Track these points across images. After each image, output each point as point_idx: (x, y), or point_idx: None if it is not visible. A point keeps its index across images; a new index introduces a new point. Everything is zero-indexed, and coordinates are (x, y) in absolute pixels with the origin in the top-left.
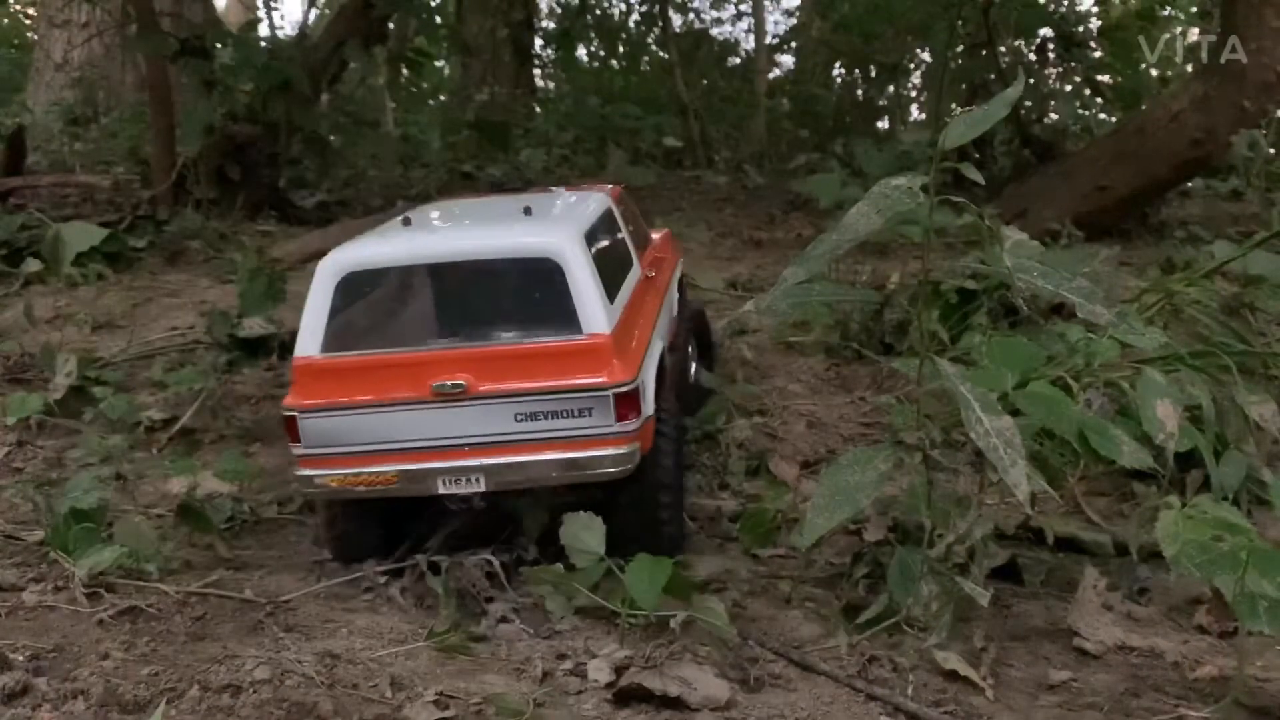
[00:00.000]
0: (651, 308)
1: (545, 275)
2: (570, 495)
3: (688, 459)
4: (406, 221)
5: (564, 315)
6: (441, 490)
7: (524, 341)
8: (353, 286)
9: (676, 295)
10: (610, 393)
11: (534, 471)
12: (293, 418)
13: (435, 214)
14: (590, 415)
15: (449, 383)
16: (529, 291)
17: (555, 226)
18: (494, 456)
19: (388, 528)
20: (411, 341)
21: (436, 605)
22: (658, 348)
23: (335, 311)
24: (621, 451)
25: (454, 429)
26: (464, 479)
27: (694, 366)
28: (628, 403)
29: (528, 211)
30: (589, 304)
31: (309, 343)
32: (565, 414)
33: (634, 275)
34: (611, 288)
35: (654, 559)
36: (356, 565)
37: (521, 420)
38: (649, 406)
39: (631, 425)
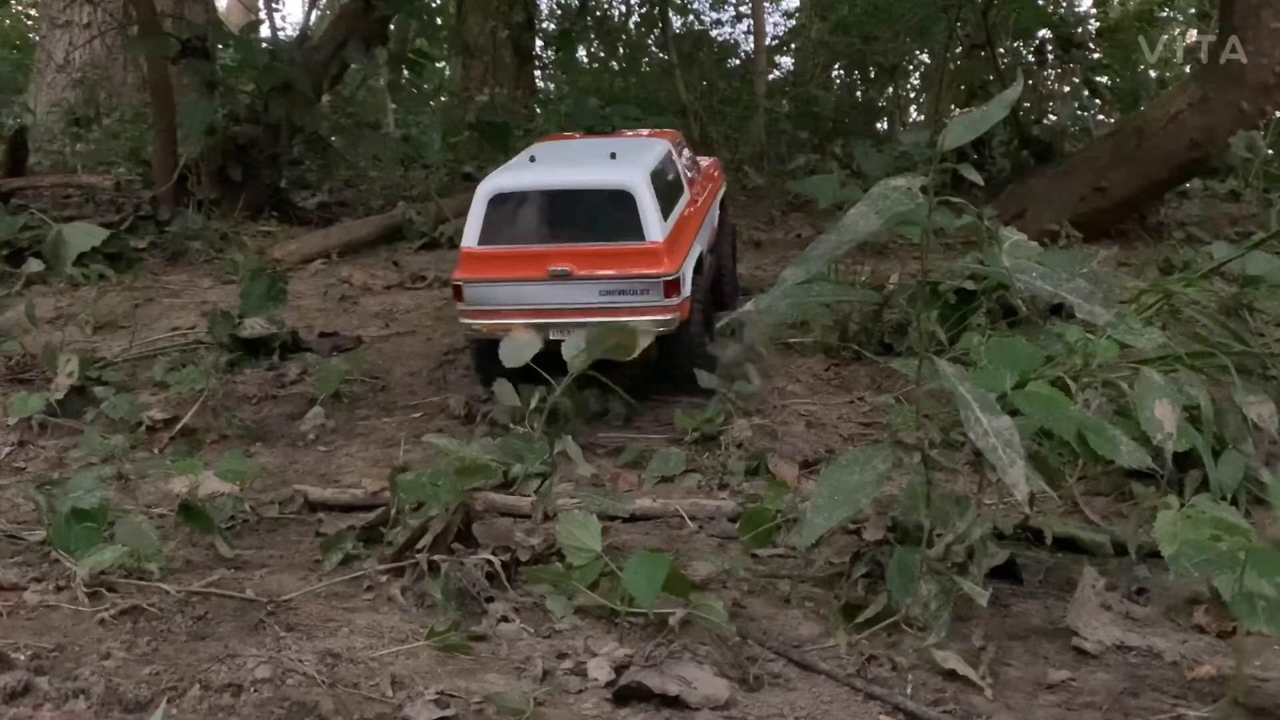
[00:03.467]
0: (695, 223)
1: (623, 200)
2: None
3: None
4: (532, 159)
5: (634, 228)
6: (552, 336)
7: (607, 243)
8: (497, 203)
9: (718, 212)
10: (661, 280)
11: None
12: (459, 285)
13: (552, 154)
14: (648, 293)
15: (559, 268)
16: (612, 211)
17: (631, 168)
18: (586, 317)
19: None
20: (535, 240)
21: (437, 605)
22: (697, 251)
23: (486, 219)
24: (668, 317)
25: (561, 298)
26: (566, 330)
27: (730, 266)
28: (673, 286)
29: (613, 156)
30: (650, 221)
31: (470, 238)
32: (632, 292)
33: (684, 199)
34: (667, 209)
35: (652, 556)
36: (357, 563)
37: (604, 294)
38: (687, 289)
39: (674, 301)
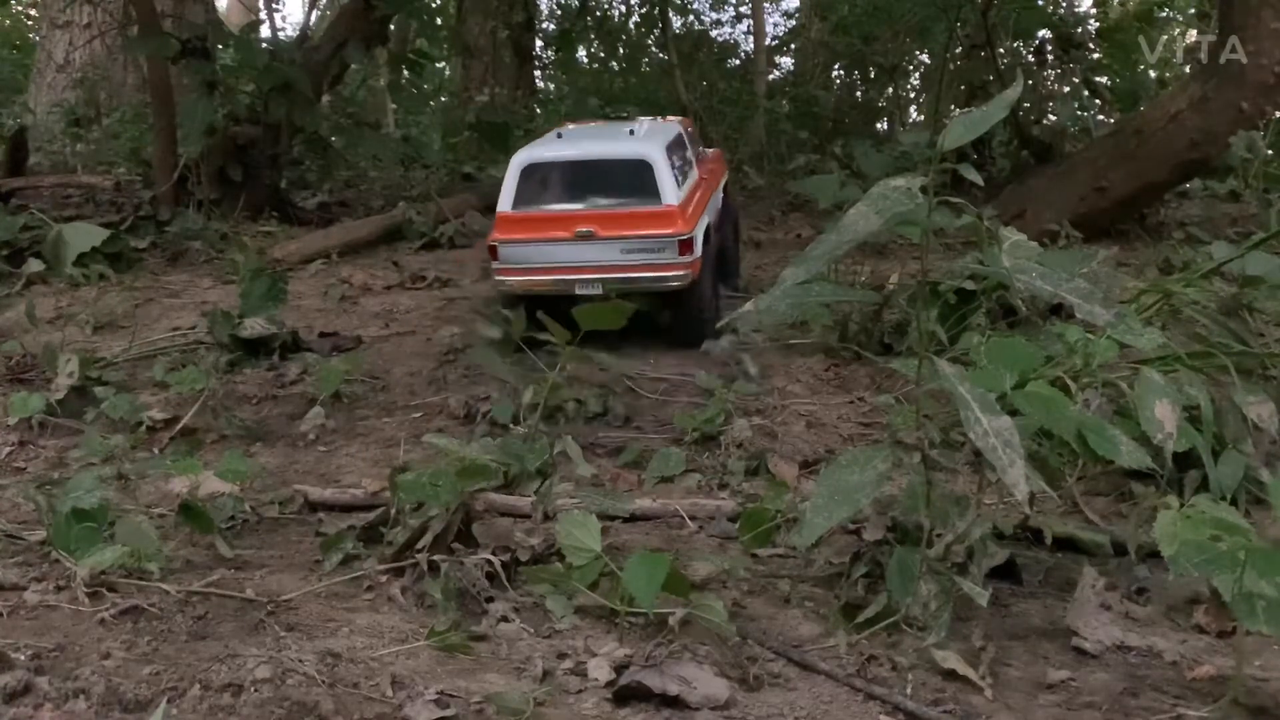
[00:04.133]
0: (704, 196)
1: (642, 169)
2: (649, 299)
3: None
4: (559, 135)
5: (651, 193)
6: (577, 291)
7: (628, 207)
8: (528, 172)
9: (721, 196)
10: (676, 239)
11: (631, 283)
12: (494, 245)
13: (576, 132)
14: (664, 251)
15: (584, 229)
16: (632, 178)
17: (648, 141)
18: (609, 273)
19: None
20: (563, 203)
21: (437, 605)
22: (705, 221)
23: (519, 186)
24: (681, 273)
25: (586, 256)
26: (590, 285)
27: (732, 247)
28: (686, 245)
29: (631, 133)
30: (666, 187)
31: (505, 203)
32: (650, 250)
33: (694, 176)
34: (680, 179)
35: (652, 556)
36: (357, 563)
37: (624, 253)
38: (698, 251)
39: (687, 259)
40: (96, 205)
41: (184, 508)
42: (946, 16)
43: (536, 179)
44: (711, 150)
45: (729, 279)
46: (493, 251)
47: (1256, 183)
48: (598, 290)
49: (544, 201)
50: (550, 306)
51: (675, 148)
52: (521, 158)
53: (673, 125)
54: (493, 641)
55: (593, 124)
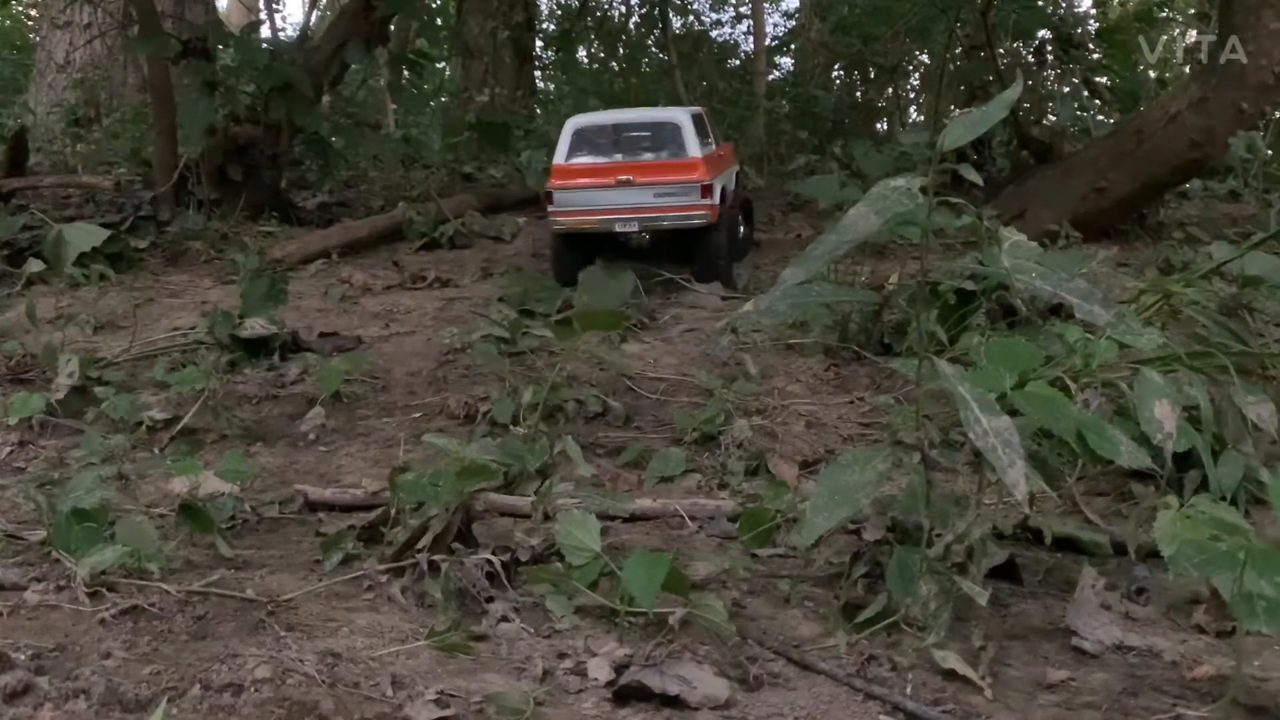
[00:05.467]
0: (720, 164)
1: (672, 130)
2: (675, 235)
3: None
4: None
5: (680, 148)
6: (617, 229)
7: (660, 159)
8: (579, 132)
9: (734, 179)
10: (699, 184)
11: (662, 221)
12: (549, 191)
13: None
14: (689, 195)
15: (624, 177)
16: (664, 136)
17: (677, 110)
18: (643, 214)
19: (586, 259)
20: (606, 157)
21: (437, 605)
22: (721, 182)
23: (571, 143)
24: (703, 214)
25: (625, 200)
26: (629, 223)
27: (741, 229)
28: (708, 190)
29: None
30: (692, 144)
31: (559, 157)
32: (678, 194)
33: (713, 144)
34: (702, 143)
35: (651, 555)
36: (357, 563)
37: (657, 196)
38: (717, 198)
39: (708, 203)
40: (96, 205)
41: (184, 508)
42: (946, 17)
43: (585, 138)
44: (725, 143)
45: (738, 250)
46: (548, 197)
47: (1256, 183)
48: (634, 228)
49: (591, 155)
50: (593, 243)
51: (698, 119)
52: (574, 122)
53: (697, 108)
54: (493, 641)
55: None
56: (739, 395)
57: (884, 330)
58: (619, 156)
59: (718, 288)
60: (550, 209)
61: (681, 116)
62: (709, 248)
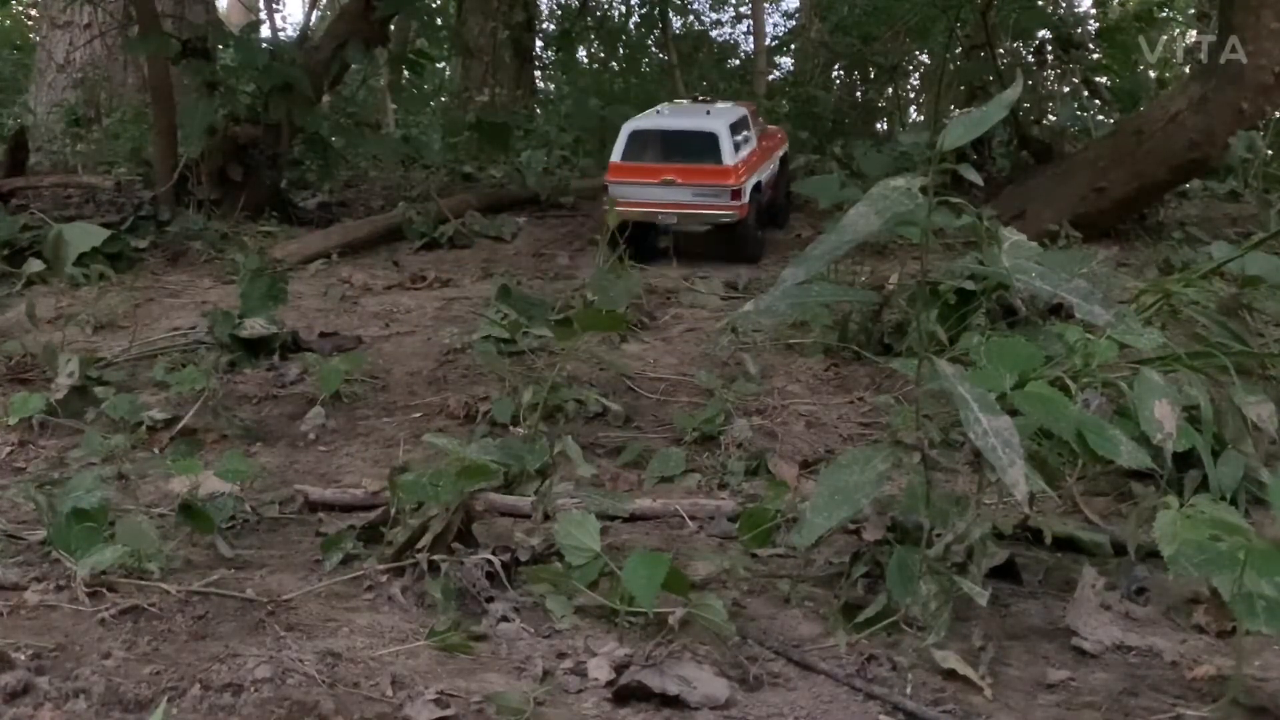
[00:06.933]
0: (756, 163)
1: (711, 139)
2: (709, 228)
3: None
4: (659, 111)
5: (717, 155)
6: (660, 220)
7: (699, 164)
8: (633, 136)
9: (778, 163)
10: (730, 188)
11: (697, 217)
12: (606, 184)
13: (671, 109)
14: (721, 197)
15: (668, 177)
16: (704, 145)
17: (717, 119)
18: (683, 209)
19: (645, 238)
20: (654, 160)
21: (437, 605)
22: (755, 179)
23: (626, 145)
24: (733, 212)
25: (668, 197)
26: (671, 216)
27: (782, 201)
28: (737, 194)
29: (708, 113)
30: (727, 153)
31: (616, 156)
32: (712, 195)
33: (750, 146)
34: (737, 149)
35: (651, 555)
36: (357, 563)
37: (695, 195)
38: (746, 199)
39: (737, 204)
40: (96, 205)
41: (184, 508)
42: (946, 16)
43: (638, 140)
44: (774, 127)
45: (779, 223)
46: (605, 188)
47: (1256, 183)
48: (673, 220)
49: (642, 156)
50: (640, 231)
51: (739, 126)
52: (630, 126)
53: (741, 108)
54: (493, 641)
55: (684, 102)
56: (739, 395)
57: (884, 330)
58: (665, 159)
59: (718, 286)
60: (604, 199)
61: (720, 128)
62: (737, 238)
